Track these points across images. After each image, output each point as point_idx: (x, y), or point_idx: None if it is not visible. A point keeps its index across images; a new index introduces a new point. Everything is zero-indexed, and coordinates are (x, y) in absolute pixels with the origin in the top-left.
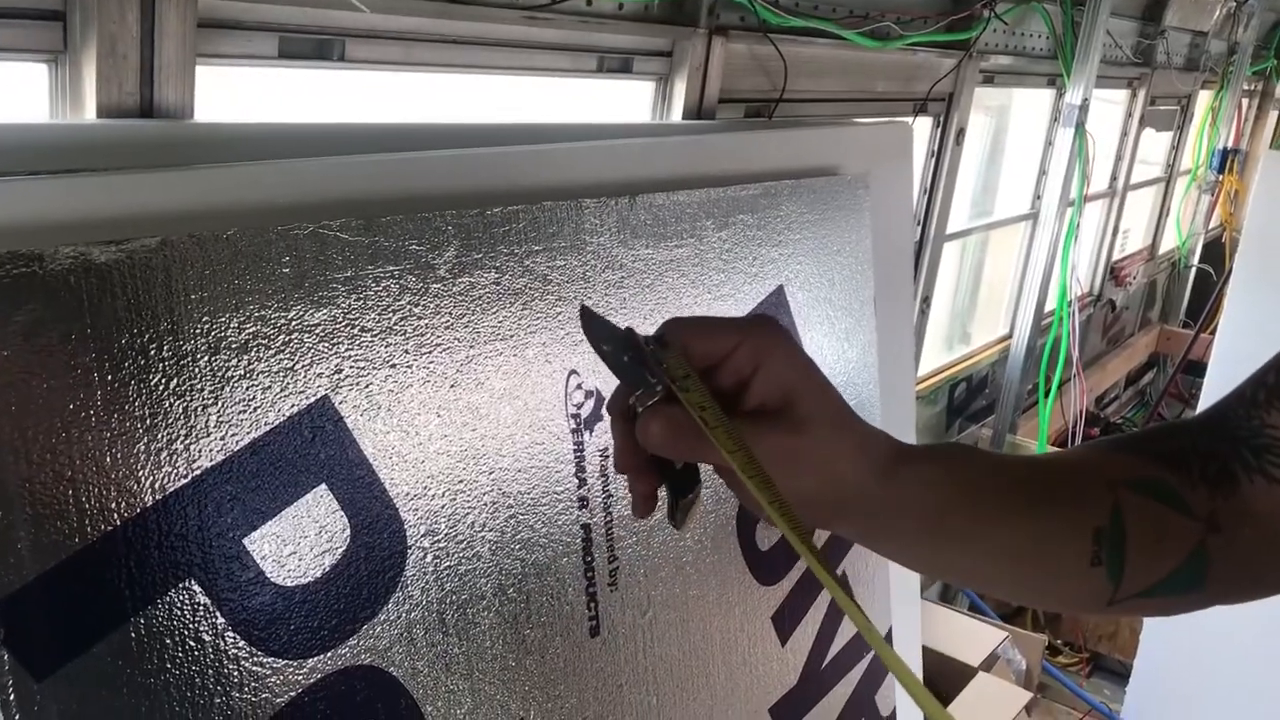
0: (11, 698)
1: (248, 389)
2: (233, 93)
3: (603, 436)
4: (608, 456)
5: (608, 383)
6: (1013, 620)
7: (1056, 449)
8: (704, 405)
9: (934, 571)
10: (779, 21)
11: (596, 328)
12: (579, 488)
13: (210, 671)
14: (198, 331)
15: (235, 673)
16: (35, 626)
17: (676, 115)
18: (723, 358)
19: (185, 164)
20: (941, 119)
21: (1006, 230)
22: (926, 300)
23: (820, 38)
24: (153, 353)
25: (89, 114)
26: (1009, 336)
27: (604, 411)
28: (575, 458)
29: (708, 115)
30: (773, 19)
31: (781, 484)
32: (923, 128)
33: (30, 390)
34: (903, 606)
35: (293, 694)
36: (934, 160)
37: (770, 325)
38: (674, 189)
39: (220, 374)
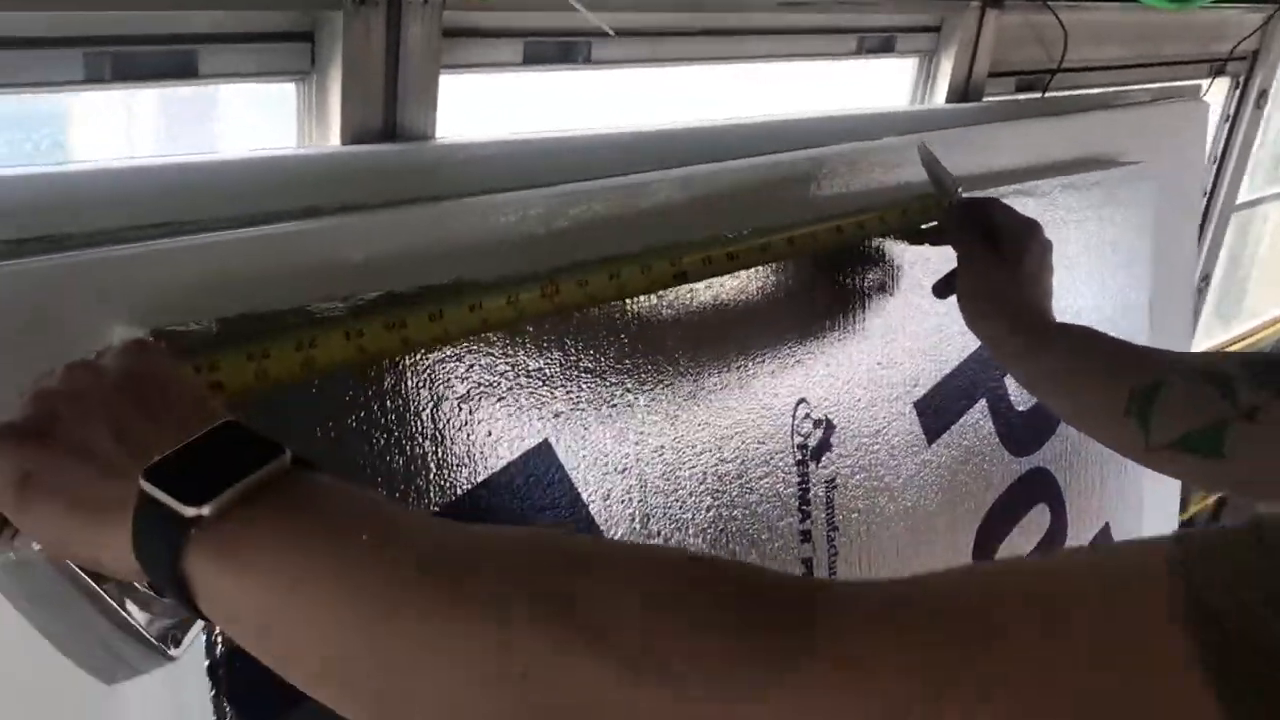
0: None
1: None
2: (475, 99)
3: (829, 468)
4: (834, 487)
5: (838, 413)
6: None
7: None
8: None
9: (1026, 375)
10: None
11: (936, 170)
12: (801, 521)
13: None
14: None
15: None
16: (253, 681)
17: (940, 94)
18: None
19: (429, 194)
20: (1242, 80)
21: None
22: (1206, 278)
23: (1109, 1)
24: (375, 408)
25: (334, 133)
26: None
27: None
28: (800, 490)
29: (975, 93)
30: None
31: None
32: (1218, 89)
33: None
34: None
35: None
36: (1228, 125)
37: (1039, 235)
38: None
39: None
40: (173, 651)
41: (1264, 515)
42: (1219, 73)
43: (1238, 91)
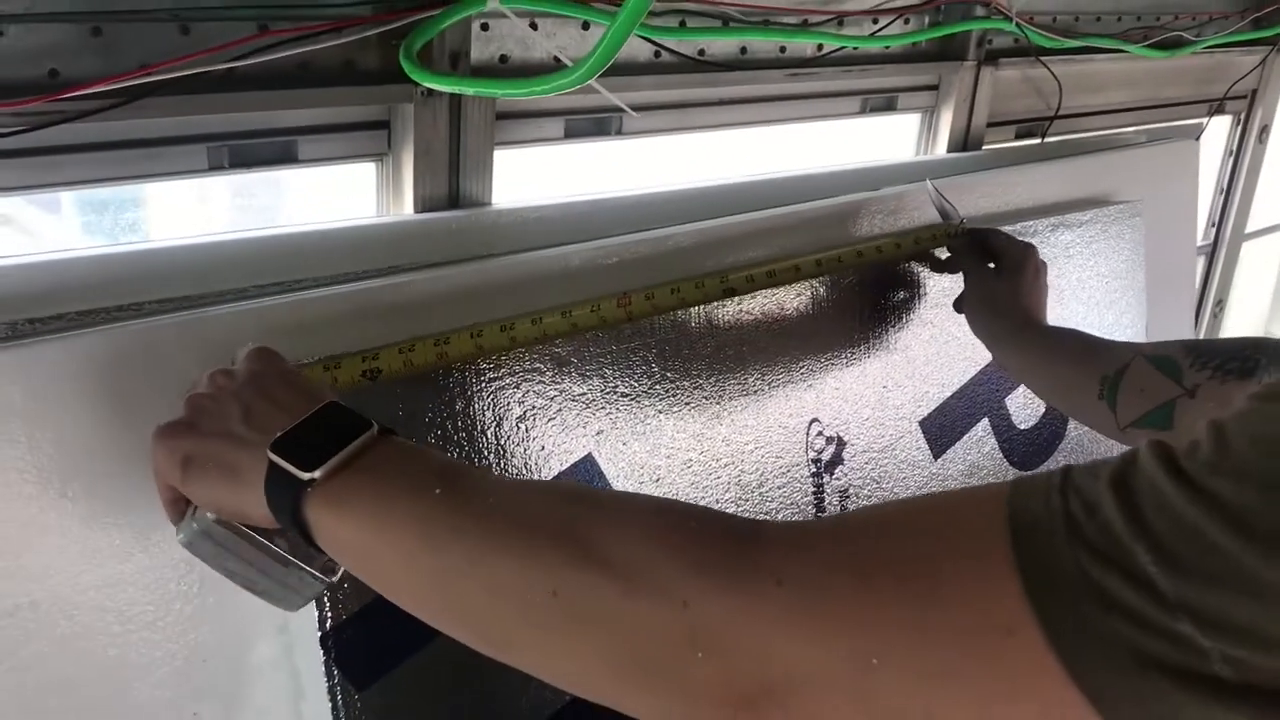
0: (339, 701)
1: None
2: (525, 169)
3: (842, 480)
4: (847, 496)
5: (848, 430)
6: None
7: None
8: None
9: (1018, 371)
10: (1053, 45)
11: (943, 204)
12: None
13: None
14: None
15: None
16: (357, 649)
17: (942, 145)
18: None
19: (489, 251)
20: (1242, 117)
21: None
22: (1220, 303)
23: (1100, 53)
24: (449, 427)
25: (408, 202)
26: None
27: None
28: (815, 499)
29: (974, 142)
30: (1046, 43)
31: (985, 300)
32: (1221, 126)
33: None
34: None
35: None
36: (1232, 159)
37: (1033, 256)
38: None
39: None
40: (333, 579)
41: (1074, 465)
42: (1218, 111)
43: (1239, 128)
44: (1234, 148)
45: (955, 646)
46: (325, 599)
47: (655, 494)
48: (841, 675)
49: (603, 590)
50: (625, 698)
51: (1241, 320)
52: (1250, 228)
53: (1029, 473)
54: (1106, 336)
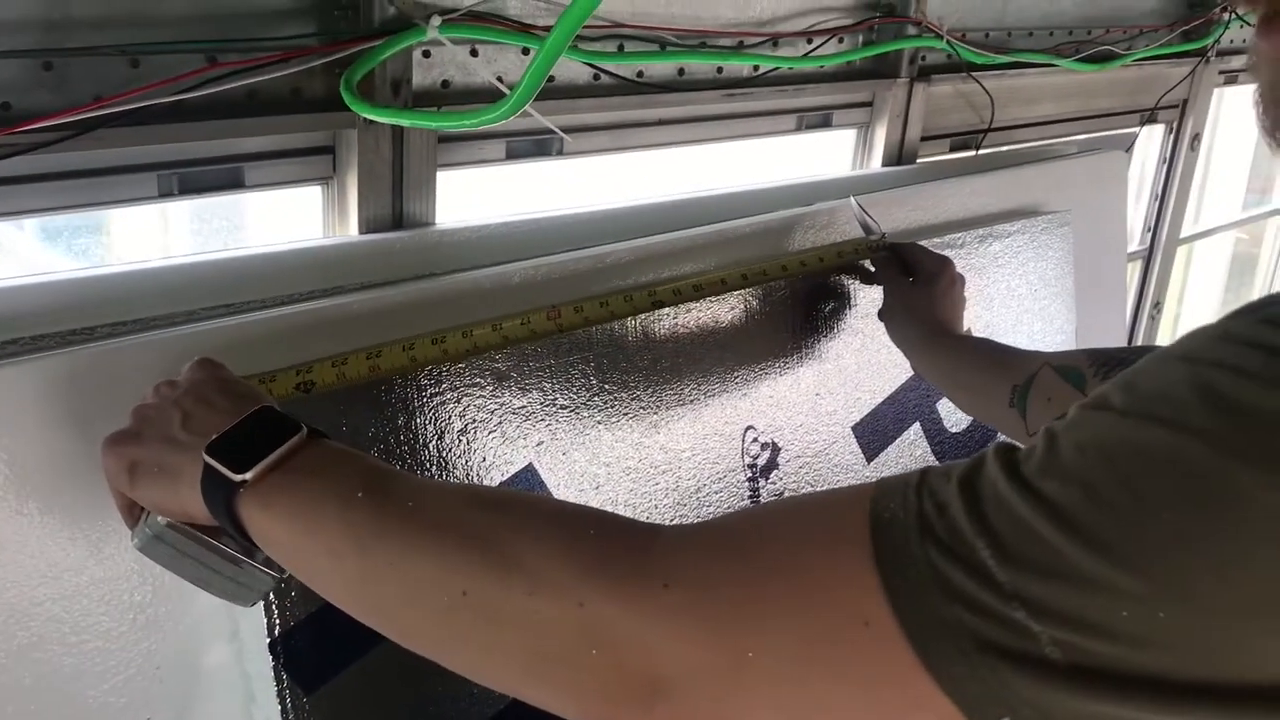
0: (289, 704)
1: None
2: (467, 190)
3: (778, 484)
4: (783, 499)
5: (782, 436)
6: None
7: None
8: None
9: (933, 377)
10: (984, 61)
11: (865, 219)
12: None
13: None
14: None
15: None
16: (305, 654)
17: (877, 159)
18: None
19: (431, 270)
20: (1174, 126)
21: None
22: (1158, 305)
23: (1032, 68)
24: (392, 441)
25: (353, 224)
26: None
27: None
28: (752, 502)
29: (909, 156)
30: (977, 59)
31: (902, 310)
32: (1155, 135)
33: None
34: None
35: None
36: (1165, 167)
37: (949, 269)
38: None
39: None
40: (284, 574)
41: (931, 466)
42: (1151, 120)
43: (1171, 137)
44: (1167, 156)
45: (822, 638)
46: (274, 606)
47: (595, 501)
48: (721, 669)
49: (508, 590)
50: (533, 693)
51: (1196, 322)
52: (1190, 231)
53: (892, 475)
54: (1036, 342)
